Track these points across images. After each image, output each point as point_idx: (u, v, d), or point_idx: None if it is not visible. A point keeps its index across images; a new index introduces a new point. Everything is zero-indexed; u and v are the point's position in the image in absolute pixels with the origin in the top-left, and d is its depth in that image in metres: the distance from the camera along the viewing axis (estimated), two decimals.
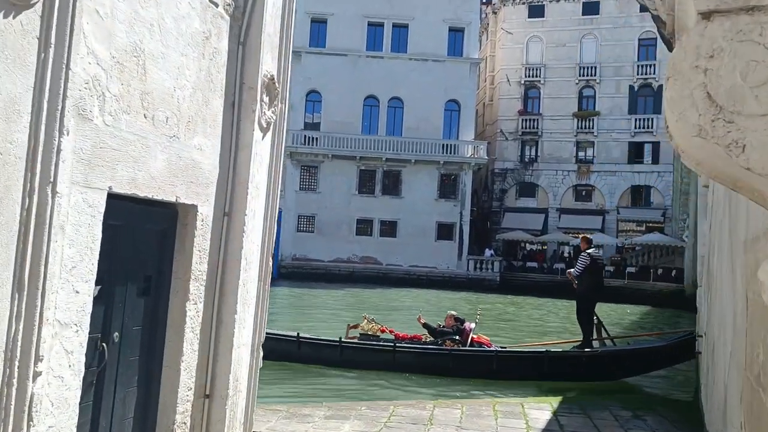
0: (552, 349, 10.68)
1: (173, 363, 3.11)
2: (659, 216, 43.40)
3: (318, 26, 40.81)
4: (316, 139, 40.13)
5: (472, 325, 10.64)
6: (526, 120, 46.31)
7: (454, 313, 11.06)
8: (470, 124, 41.61)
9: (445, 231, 40.23)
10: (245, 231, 3.55)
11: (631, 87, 44.61)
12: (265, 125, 3.79)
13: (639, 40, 44.82)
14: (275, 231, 4.03)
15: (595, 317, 10.48)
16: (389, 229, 40.18)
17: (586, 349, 10.32)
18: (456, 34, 41.06)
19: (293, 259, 39.42)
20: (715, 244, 4.98)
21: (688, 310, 30.15)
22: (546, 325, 22.41)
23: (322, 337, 10.96)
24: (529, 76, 46.67)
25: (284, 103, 4.06)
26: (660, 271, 37.08)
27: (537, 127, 46.00)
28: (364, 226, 40.16)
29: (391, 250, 39.52)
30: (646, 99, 44.47)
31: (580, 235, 11.43)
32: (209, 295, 3.43)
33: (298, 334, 10.71)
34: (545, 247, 44.63)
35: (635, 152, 44.41)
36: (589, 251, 10.43)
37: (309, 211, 40.03)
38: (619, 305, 31.07)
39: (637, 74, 44.48)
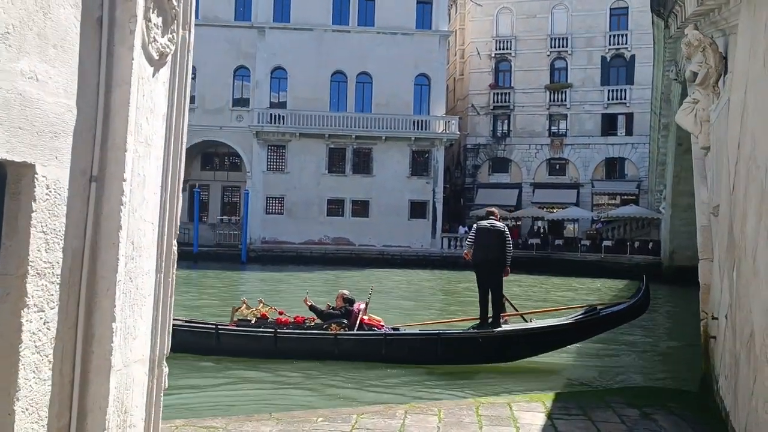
0: (444, 331, 9.89)
1: (1, 403, 2.05)
2: (634, 188, 42.92)
3: (282, 1, 39.33)
4: (283, 117, 38.78)
5: (362, 306, 9.83)
6: (497, 94, 45.39)
7: (345, 292, 10.17)
8: (441, 99, 40.56)
9: (418, 209, 39.29)
10: (124, 203, 2.47)
11: (603, 58, 43.86)
12: (156, 56, 2.70)
13: (610, 9, 44.01)
14: (179, 204, 2.95)
15: (504, 298, 9.80)
16: (361, 208, 39.13)
17: (482, 330, 9.60)
18: (424, 6, 39.82)
19: (262, 243, 38.24)
20: (749, 209, 3.99)
21: (665, 283, 29.70)
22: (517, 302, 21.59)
23: (197, 323, 10.08)
24: (499, 49, 45.67)
25: (188, 30, 2.97)
26: (637, 244, 36.56)
27: (509, 101, 45.11)
28: (335, 207, 39.05)
29: (363, 231, 38.51)
30: (618, 70, 43.77)
31: (487, 208, 10.58)
32: (69, 296, 2.35)
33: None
34: (519, 223, 43.91)
35: (608, 124, 43.77)
36: (480, 222, 9.73)
37: (277, 193, 38.79)
38: (596, 279, 30.50)
39: (609, 44, 43.70)
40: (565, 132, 44.38)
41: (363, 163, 39.35)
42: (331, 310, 9.89)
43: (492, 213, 9.92)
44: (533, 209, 42.53)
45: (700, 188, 8.37)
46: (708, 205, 7.92)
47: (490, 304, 9.55)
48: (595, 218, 41.66)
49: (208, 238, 39.46)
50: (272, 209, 38.85)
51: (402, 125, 38.94)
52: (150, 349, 2.91)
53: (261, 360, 9.19)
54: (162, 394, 3.00)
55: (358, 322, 9.51)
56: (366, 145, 39.11)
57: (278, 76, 39.56)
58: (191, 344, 9.22)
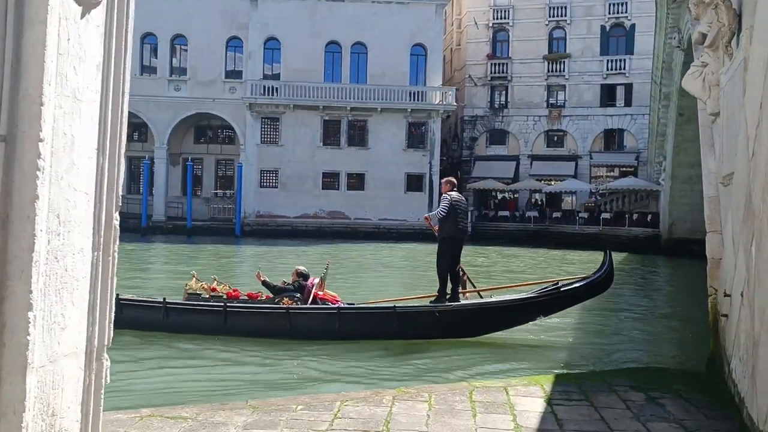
0: (400, 304, 9.60)
1: None
2: (633, 160, 42.46)
3: None
4: (277, 88, 38.11)
5: (316, 280, 9.48)
6: (495, 64, 44.69)
7: (301, 268, 9.79)
8: (438, 70, 39.88)
9: (414, 182, 38.83)
10: (42, 168, 2.04)
11: (602, 27, 43.10)
12: None
13: None
14: (121, 171, 2.52)
15: (459, 269, 9.47)
16: (356, 182, 38.66)
17: (439, 304, 9.30)
18: None
19: (257, 216, 37.82)
20: None
21: (664, 255, 29.44)
22: (514, 275, 21.24)
23: (144, 298, 9.74)
24: (497, 19, 44.87)
25: None
26: (635, 216, 36.20)
27: (506, 72, 44.43)
28: (330, 180, 38.56)
29: (359, 204, 38.08)
30: (618, 39, 43.05)
31: (444, 178, 10.28)
32: None
33: (117, 295, 9.20)
34: (517, 196, 43.54)
35: (607, 95, 43.15)
36: (450, 193, 9.37)
37: (272, 166, 38.26)
38: (594, 252, 30.17)
39: (609, 13, 42.92)
40: (564, 103, 43.78)
41: (358, 136, 38.80)
42: (285, 286, 9.59)
43: (455, 184, 9.75)
44: (531, 181, 42.10)
45: (707, 157, 7.94)
46: (716, 175, 7.51)
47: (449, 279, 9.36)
48: (593, 190, 41.26)
49: (202, 213, 39.07)
50: (267, 183, 38.36)
51: (398, 96, 38.33)
52: (86, 340, 2.50)
53: (210, 336, 8.87)
54: (102, 391, 2.59)
55: (311, 296, 9.20)
56: (361, 117, 38.52)
57: (272, 46, 38.82)
58: (138, 320, 8.98)
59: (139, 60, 38.24)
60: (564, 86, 43.78)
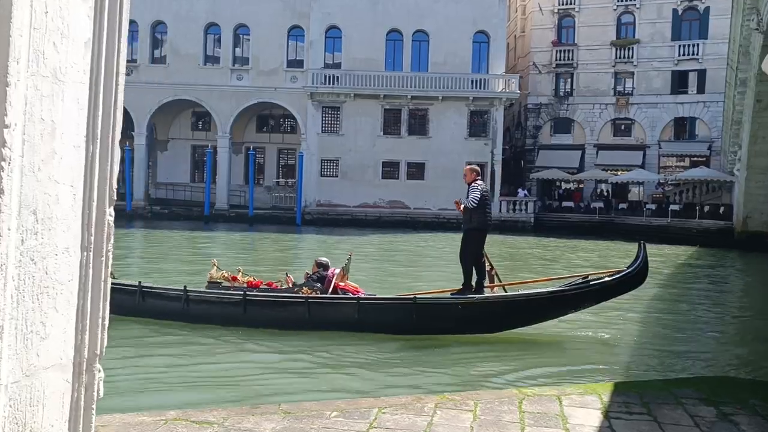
0: (421, 295, 9.24)
1: None
2: (705, 149, 40.71)
3: None
4: (338, 77, 38.00)
5: (336, 271, 9.28)
6: (560, 51, 43.48)
7: (322, 259, 9.61)
8: (501, 58, 39.02)
9: None
10: (8, 158, 1.77)
11: (674, 11, 41.35)
12: None
13: None
14: (115, 161, 2.24)
15: (486, 261, 9.06)
16: (417, 171, 38.27)
17: (462, 296, 8.91)
18: None
19: (317, 205, 37.90)
20: None
21: (738, 250, 28.06)
22: (578, 268, 20.51)
23: (167, 287, 9.62)
24: (562, 4, 43.60)
25: None
26: (707, 208, 34.69)
27: (572, 59, 43.16)
28: (390, 169, 38.28)
29: (419, 194, 37.71)
30: (690, 23, 41.24)
31: (467, 166, 9.92)
32: None
33: (139, 283, 9.35)
34: (582, 186, 42.35)
35: (679, 82, 41.41)
36: (479, 182, 9.07)
37: (332, 155, 38.22)
38: (662, 246, 29.03)
39: None
40: (632, 90, 42.27)
41: (419, 124, 38.37)
42: (307, 278, 9.40)
43: (479, 172, 9.42)
44: (596, 171, 40.88)
45: None
46: None
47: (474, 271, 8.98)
48: (661, 181, 39.77)
49: (265, 201, 39.44)
50: (327, 172, 38.36)
51: (459, 84, 37.70)
52: (74, 350, 2.24)
53: (231, 327, 8.77)
54: (94, 406, 2.34)
55: (332, 287, 9.00)
56: (422, 106, 38.07)
57: (333, 35, 38.72)
58: (159, 309, 8.98)
59: (202, 50, 38.76)
60: (632, 73, 42.27)
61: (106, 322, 2.37)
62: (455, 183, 37.49)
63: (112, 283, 9.51)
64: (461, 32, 37.87)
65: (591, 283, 8.87)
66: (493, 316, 8.88)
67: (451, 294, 9.18)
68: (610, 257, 24.83)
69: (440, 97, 37.57)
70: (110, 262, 2.38)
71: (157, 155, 42.29)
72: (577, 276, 9.49)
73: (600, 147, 42.18)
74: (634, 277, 8.94)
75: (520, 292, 9.27)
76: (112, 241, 2.35)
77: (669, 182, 39.32)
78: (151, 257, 21.20)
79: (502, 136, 39.30)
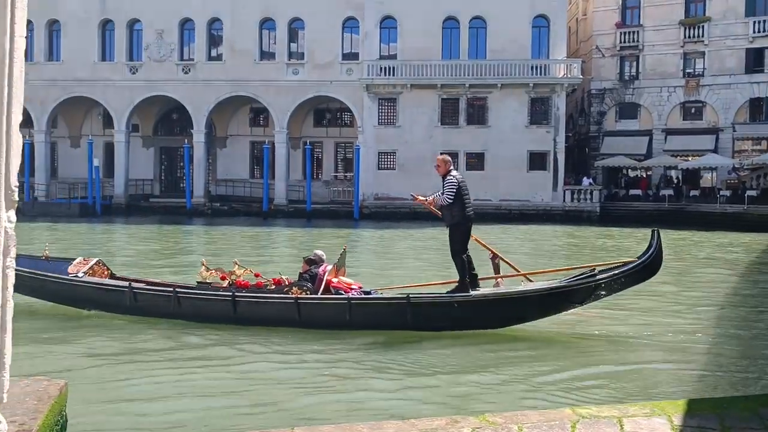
0: (414, 294, 8.88)
1: None
2: None
3: None
4: (393, 68, 37.40)
5: (329, 267, 8.95)
6: (624, 33, 41.69)
7: (314, 254, 9.29)
8: (561, 42, 37.69)
9: (537, 160, 37.04)
10: None
11: None
12: None
13: None
14: (13, 156, 1.70)
15: (489, 251, 8.87)
16: (476, 161, 37.35)
17: (459, 293, 8.60)
18: None
19: (375, 199, 37.45)
20: None
21: None
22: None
23: (157, 287, 9.47)
24: None
25: None
26: None
27: (637, 40, 41.33)
28: None
29: (479, 185, 36.54)
30: None
31: (439, 156, 9.30)
32: None
33: (130, 283, 9.32)
34: (650, 173, 40.64)
35: (755, 60, 39.12)
36: (453, 173, 8.69)
37: (389, 147, 37.69)
38: (738, 234, 27.44)
39: None
40: (702, 71, 40.22)
41: (477, 114, 37.44)
42: (302, 275, 9.06)
43: (451, 162, 9.00)
44: (665, 157, 39.11)
45: None
46: None
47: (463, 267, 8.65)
48: (736, 166, 37.75)
49: (323, 196, 39.26)
50: (384, 164, 37.86)
51: (519, 71, 36.58)
52: None
53: (221, 326, 8.69)
54: None
55: (323, 285, 8.71)
56: (480, 94, 37.11)
57: (388, 25, 38.13)
58: (151, 308, 9.00)
59: (258, 45, 38.73)
60: (703, 53, 40.21)
61: (8, 360, 1.84)
62: (516, 172, 36.59)
63: (105, 285, 9.04)
64: (520, 17, 36.73)
65: (597, 276, 8.37)
66: (492, 312, 8.59)
67: (447, 293, 8.83)
68: (683, 246, 23.52)
69: (499, 85, 36.55)
70: (12, 280, 1.85)
71: (217, 152, 42.61)
72: (584, 267, 8.96)
73: (669, 132, 40.34)
74: (645, 269, 8.40)
75: (518, 289, 8.83)
76: (12, 254, 1.82)
77: (744, 167, 37.29)
78: (211, 254, 21.08)
79: (565, 124, 37.98)
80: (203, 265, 9.44)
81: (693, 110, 40.53)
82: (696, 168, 38.81)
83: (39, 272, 9.41)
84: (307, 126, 41.68)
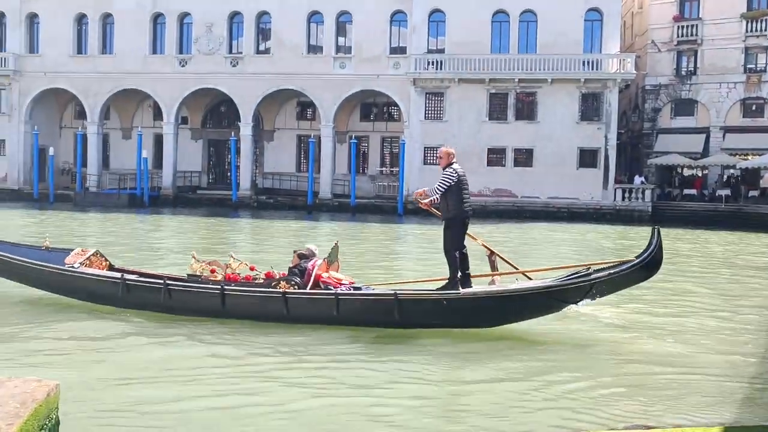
0: (402, 290, 8.68)
1: None
2: None
3: None
4: (441, 62, 36.86)
5: (318, 262, 8.82)
6: (682, 27, 40.23)
7: (306, 248, 9.16)
8: (615, 36, 36.56)
9: (588, 157, 36.08)
10: None
11: None
12: None
13: None
14: None
15: (486, 248, 8.74)
16: (524, 158, 36.59)
17: (448, 291, 8.43)
18: None
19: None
20: None
21: None
22: (707, 259, 18.52)
23: (148, 279, 9.37)
24: None
25: None
26: None
27: (696, 34, 39.84)
28: (495, 156, 36.81)
29: (526, 181, 36.08)
30: None
31: (441, 149, 9.17)
32: None
33: (122, 275, 9.21)
34: (706, 172, 39.21)
35: None
36: (453, 166, 8.53)
37: (435, 142, 37.05)
38: None
39: None
40: (765, 67, 38.53)
41: (526, 109, 36.65)
42: (291, 269, 8.93)
43: (454, 155, 8.80)
44: (723, 156, 37.64)
45: None
46: None
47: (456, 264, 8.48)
48: None
49: (368, 190, 39.08)
50: (430, 160, 37.39)
51: (570, 66, 35.64)
52: None
53: (209, 319, 8.70)
54: None
55: (311, 280, 8.61)
56: (530, 89, 36.31)
57: (436, 19, 37.59)
58: (142, 300, 9.00)
59: (305, 39, 38.66)
60: (765, 48, 38.50)
61: None
62: (565, 169, 35.69)
63: (99, 276, 8.93)
64: (572, 10, 35.77)
65: (592, 275, 8.15)
66: (483, 311, 8.42)
67: (437, 289, 8.65)
68: (738, 250, 22.51)
69: (549, 80, 35.69)
70: None
71: (264, 145, 42.79)
72: (579, 266, 8.64)
73: (727, 130, 38.81)
74: (643, 268, 8.10)
75: (510, 287, 8.53)
76: None
77: None
78: (254, 247, 21.03)
79: (617, 120, 36.89)
80: (193, 257, 9.35)
81: (754, 107, 38.91)
82: (756, 167, 37.25)
83: (33, 262, 9.42)
84: (353, 120, 41.50)
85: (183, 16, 39.71)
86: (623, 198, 35.61)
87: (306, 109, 41.98)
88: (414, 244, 23.37)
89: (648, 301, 11.46)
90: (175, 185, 40.13)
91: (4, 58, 40.74)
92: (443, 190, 8.37)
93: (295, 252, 9.23)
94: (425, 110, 37.46)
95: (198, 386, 6.42)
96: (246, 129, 39.06)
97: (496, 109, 36.77)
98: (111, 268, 9.67)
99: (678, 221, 32.49)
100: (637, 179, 37.19)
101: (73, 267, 9.28)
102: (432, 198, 8.58)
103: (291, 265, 9.03)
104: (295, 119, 42.60)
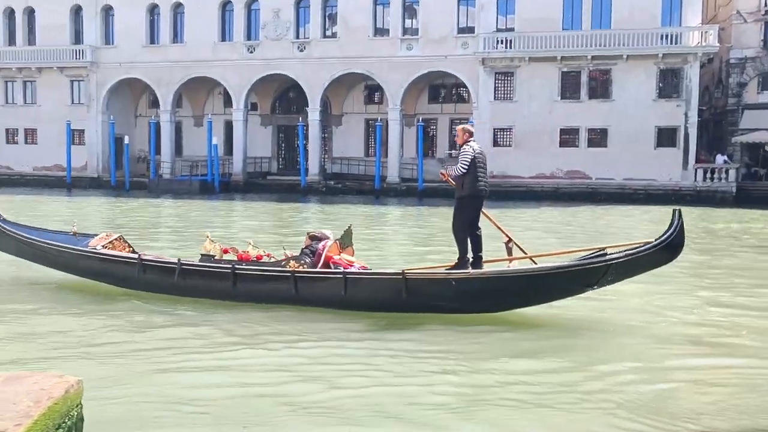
0: (410, 270, 8.30)
1: None
2: None
3: None
4: (511, 41, 35.83)
5: (328, 243, 8.64)
6: None
7: (326, 232, 9.02)
8: (696, 8, 34.68)
9: (666, 136, 34.48)
10: None
11: None
12: None
13: None
14: None
15: (503, 233, 8.27)
16: (598, 138, 35.27)
17: (457, 271, 8.09)
18: None
19: (490, 177, 35.91)
20: None
21: None
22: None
23: (163, 259, 9.37)
24: None
25: None
26: None
27: None
28: (568, 137, 35.61)
29: (600, 162, 34.78)
30: None
31: (458, 126, 8.86)
32: None
33: (139, 256, 9.19)
34: None
35: None
36: (471, 144, 8.20)
37: (505, 123, 36.28)
38: None
39: None
40: None
41: (600, 87, 35.25)
42: (303, 250, 8.78)
43: (472, 133, 8.48)
44: None
45: None
46: None
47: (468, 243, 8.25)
48: None
49: (436, 174, 38.20)
50: (500, 141, 36.53)
51: (647, 41, 34.02)
52: None
53: (220, 301, 8.61)
54: None
55: (321, 260, 8.47)
56: (604, 66, 34.89)
57: None
58: (155, 282, 9.01)
59: (372, 21, 38.25)
60: None
61: None
62: (643, 149, 34.19)
63: (117, 257, 8.62)
64: None
65: (606, 257, 7.67)
66: (492, 293, 8.02)
67: (446, 269, 8.30)
68: None
69: (625, 56, 34.20)
70: None
71: (333, 130, 42.75)
72: (595, 248, 7.95)
73: None
74: (663, 250, 7.56)
75: (518, 267, 8.15)
76: None
77: None
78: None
79: (698, 96, 35.04)
80: (207, 237, 9.27)
81: None
82: None
83: (57, 244, 9.63)
84: (421, 103, 40.93)
85: (250, 3, 39.91)
86: (705, 178, 33.88)
87: (374, 92, 41.66)
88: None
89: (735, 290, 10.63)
90: (245, 171, 40.57)
91: (82, 50, 41.97)
92: (467, 166, 8.06)
93: (308, 234, 9.14)
94: (494, 90, 36.55)
95: (221, 373, 6.17)
96: (314, 114, 39.07)
97: (569, 88, 35.53)
98: (134, 252, 9.73)
99: (765, 202, 30.69)
100: (720, 158, 35.31)
101: (94, 249, 9.42)
102: (453, 173, 8.26)
103: (303, 246, 8.90)
104: (363, 103, 42.35)
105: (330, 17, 39.41)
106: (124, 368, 6.23)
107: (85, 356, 6.62)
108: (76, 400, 4.27)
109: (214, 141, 38.72)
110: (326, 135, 42.13)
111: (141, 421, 5.11)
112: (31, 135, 43.80)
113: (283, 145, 44.74)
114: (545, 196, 34.14)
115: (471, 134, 8.42)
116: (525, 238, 10.92)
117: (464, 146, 8.24)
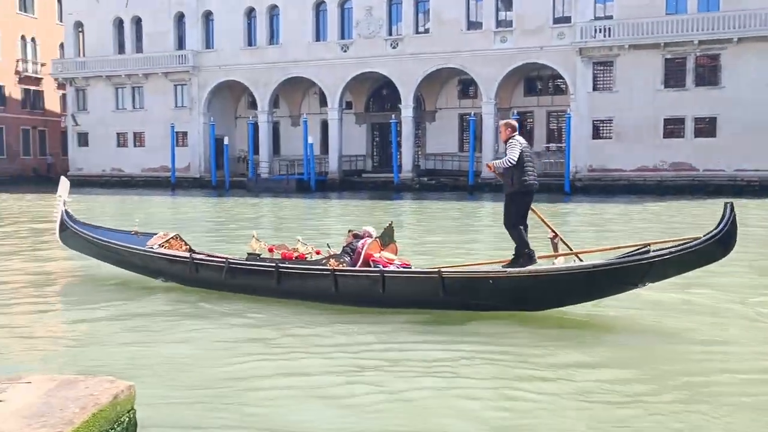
0: (446, 268, 8.14)
1: None
2: None
3: None
4: (610, 29, 34.39)
5: (368, 241, 8.63)
6: None
7: (368, 229, 9.02)
8: None
9: None
10: None
11: None
12: None
13: None
14: None
15: (549, 229, 8.13)
16: (706, 127, 33.31)
17: (508, 269, 7.94)
18: None
19: (589, 171, 34.99)
20: None
21: None
22: None
23: (213, 258, 9.61)
24: None
25: None
26: None
27: None
28: (673, 127, 33.83)
29: (709, 153, 32.85)
30: None
31: (502, 121, 8.69)
32: None
33: (191, 254, 9.59)
34: None
35: None
36: (516, 138, 8.07)
37: (605, 115, 34.88)
38: None
39: None
40: None
41: (708, 73, 33.26)
42: (344, 248, 8.85)
43: (516, 128, 8.33)
44: None
45: None
46: None
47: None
48: None
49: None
50: (600, 133, 35.15)
51: (760, 21, 31.83)
52: None
53: (266, 298, 8.80)
54: None
55: (361, 258, 8.49)
56: (712, 51, 32.90)
57: None
58: (206, 278, 9.35)
59: (465, 15, 37.71)
60: None
61: None
62: (757, 137, 32.00)
63: (170, 256, 8.56)
64: None
65: (650, 255, 7.29)
66: (529, 292, 7.80)
67: (503, 266, 8.15)
68: None
69: (735, 39, 32.13)
70: None
71: (426, 126, 42.48)
72: (638, 245, 7.59)
73: None
74: (713, 246, 7.10)
75: (551, 267, 7.89)
76: None
77: None
78: (410, 233, 20.69)
79: None
80: (254, 236, 9.47)
81: None
82: None
83: (118, 243, 10.19)
84: (517, 95, 40.02)
85: (343, 2, 40.21)
86: None
87: (467, 87, 41.08)
88: (575, 223, 21.80)
89: None
90: (341, 169, 40.94)
91: (185, 55, 43.58)
92: (515, 158, 7.89)
93: (350, 231, 9.19)
94: (593, 81, 35.22)
95: (276, 374, 6.10)
96: (407, 111, 38.92)
97: (673, 76, 33.75)
98: (190, 250, 10.10)
99: None
100: None
101: (152, 248, 9.87)
102: (500, 166, 8.10)
103: (344, 244, 8.96)
104: (457, 98, 41.85)
105: (423, 13, 39.13)
106: (181, 371, 6.20)
107: (142, 358, 6.63)
108: (126, 405, 4.19)
109: (310, 140, 39.25)
110: (420, 131, 41.92)
111: (200, 422, 5.03)
112: (139, 138, 45.92)
113: (377, 142, 44.88)
114: (648, 190, 32.60)
115: (515, 129, 8.28)
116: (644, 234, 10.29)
117: (510, 141, 8.10)
